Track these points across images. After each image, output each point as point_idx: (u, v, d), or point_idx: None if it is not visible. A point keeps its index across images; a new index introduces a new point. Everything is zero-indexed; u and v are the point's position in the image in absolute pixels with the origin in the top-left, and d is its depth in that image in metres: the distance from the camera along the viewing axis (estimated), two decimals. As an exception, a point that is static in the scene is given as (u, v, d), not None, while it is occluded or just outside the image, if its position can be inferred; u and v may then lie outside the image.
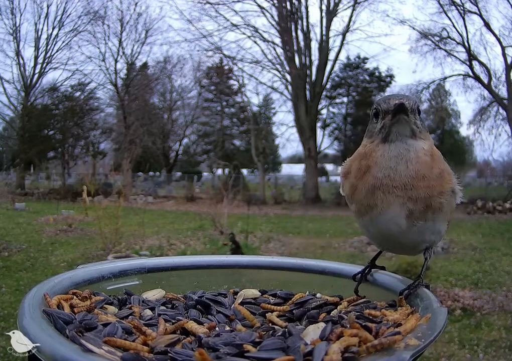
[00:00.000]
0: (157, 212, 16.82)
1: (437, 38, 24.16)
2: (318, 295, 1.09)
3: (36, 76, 26.37)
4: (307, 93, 24.60)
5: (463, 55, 23.92)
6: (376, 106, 0.99)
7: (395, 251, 1.13)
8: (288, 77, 24.90)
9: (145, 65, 31.20)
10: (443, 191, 0.97)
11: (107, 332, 0.75)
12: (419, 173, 0.94)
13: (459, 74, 24.73)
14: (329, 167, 40.21)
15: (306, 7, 24.59)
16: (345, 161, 1.10)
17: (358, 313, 0.87)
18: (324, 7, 24.33)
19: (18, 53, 25.94)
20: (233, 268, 1.26)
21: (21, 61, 26.03)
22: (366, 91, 32.12)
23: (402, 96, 0.97)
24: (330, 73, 26.32)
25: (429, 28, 24.13)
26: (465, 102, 59.89)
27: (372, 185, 0.96)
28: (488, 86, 23.25)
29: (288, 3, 24.33)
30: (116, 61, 28.29)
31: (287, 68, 24.60)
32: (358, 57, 31.16)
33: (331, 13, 24.31)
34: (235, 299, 1.07)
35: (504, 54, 22.51)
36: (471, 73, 24.00)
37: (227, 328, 0.89)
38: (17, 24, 25.93)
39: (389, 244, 1.10)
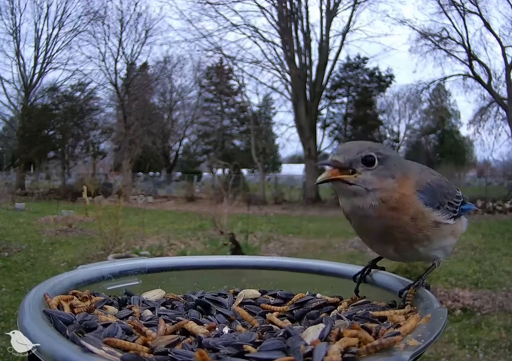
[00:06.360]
0: (157, 212, 16.81)
1: (437, 38, 24.18)
2: (318, 295, 1.09)
3: (36, 76, 26.46)
4: (307, 93, 24.59)
5: (463, 55, 23.95)
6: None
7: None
8: (288, 77, 24.89)
9: (145, 65, 31.18)
10: (421, 228, 0.95)
11: (107, 333, 0.75)
12: (385, 225, 0.94)
13: (459, 74, 24.76)
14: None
15: (306, 7, 24.61)
16: None
17: (359, 313, 0.87)
18: (324, 7, 24.35)
19: (18, 53, 26.02)
20: (233, 268, 1.26)
21: (21, 61, 26.12)
22: (366, 91, 32.13)
23: (340, 151, 0.94)
24: (330, 73, 26.33)
25: (429, 28, 24.18)
26: (465, 102, 59.81)
27: (354, 227, 1.01)
28: (488, 86, 23.25)
29: (288, 3, 24.33)
30: (116, 61, 28.30)
31: (287, 68, 24.58)
32: (358, 57, 31.19)
33: (331, 13, 24.30)
34: (235, 299, 1.07)
35: (504, 54, 22.53)
36: (471, 73, 24.02)
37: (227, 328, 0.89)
38: (17, 24, 26.03)
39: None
